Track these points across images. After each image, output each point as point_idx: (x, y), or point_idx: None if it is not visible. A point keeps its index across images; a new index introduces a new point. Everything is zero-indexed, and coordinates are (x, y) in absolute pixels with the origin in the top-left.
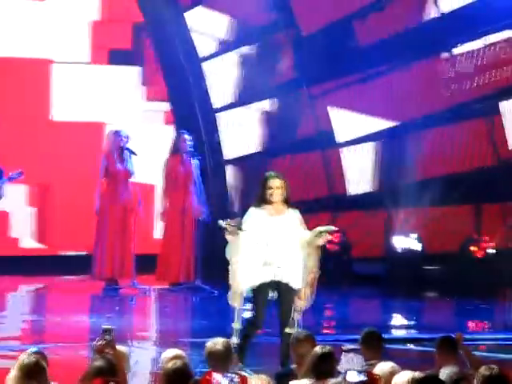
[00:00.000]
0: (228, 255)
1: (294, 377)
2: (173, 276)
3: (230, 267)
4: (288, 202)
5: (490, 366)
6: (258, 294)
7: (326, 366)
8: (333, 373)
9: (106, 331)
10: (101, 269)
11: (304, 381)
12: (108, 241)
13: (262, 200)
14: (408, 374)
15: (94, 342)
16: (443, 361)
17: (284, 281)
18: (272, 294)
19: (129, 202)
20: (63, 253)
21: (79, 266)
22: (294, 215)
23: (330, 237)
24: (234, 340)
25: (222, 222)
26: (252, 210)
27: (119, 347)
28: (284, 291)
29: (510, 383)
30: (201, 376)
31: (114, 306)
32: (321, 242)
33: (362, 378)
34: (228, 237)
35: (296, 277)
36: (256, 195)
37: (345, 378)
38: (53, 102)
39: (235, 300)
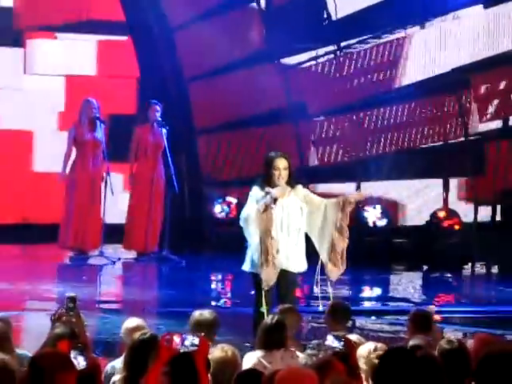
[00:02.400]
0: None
1: None
2: (140, 245)
3: (254, 241)
4: (291, 182)
5: (451, 339)
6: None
7: (275, 336)
8: (283, 343)
9: (69, 299)
10: (68, 238)
11: (256, 352)
12: (76, 210)
13: (268, 181)
14: (370, 346)
15: (56, 310)
16: (414, 334)
17: (290, 269)
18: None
19: (98, 171)
20: (32, 222)
21: (47, 234)
22: (300, 193)
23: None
24: None
25: (270, 191)
26: (257, 192)
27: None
28: (285, 275)
29: (469, 357)
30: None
31: (81, 275)
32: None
33: (341, 343)
34: (262, 206)
35: (300, 262)
36: (261, 175)
37: (323, 343)
38: None
39: (270, 277)
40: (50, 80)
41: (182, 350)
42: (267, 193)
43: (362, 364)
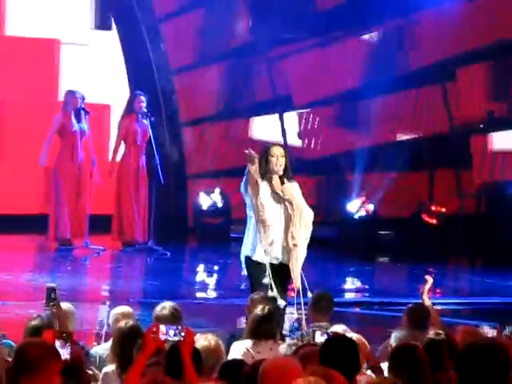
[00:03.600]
0: (249, 193)
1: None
2: (128, 236)
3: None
4: (287, 173)
5: (437, 331)
6: (256, 271)
7: (266, 327)
8: (273, 334)
9: (49, 290)
10: (57, 230)
11: (245, 341)
12: (64, 201)
13: (265, 170)
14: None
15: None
16: (410, 328)
17: (283, 261)
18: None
19: (84, 161)
20: (15, 212)
21: (32, 225)
22: (293, 189)
23: None
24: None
25: (250, 151)
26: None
27: (65, 305)
28: (278, 268)
29: (456, 347)
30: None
31: (67, 265)
32: None
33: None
34: (250, 167)
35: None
36: (259, 165)
37: (312, 339)
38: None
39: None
40: None
41: (167, 341)
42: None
43: None
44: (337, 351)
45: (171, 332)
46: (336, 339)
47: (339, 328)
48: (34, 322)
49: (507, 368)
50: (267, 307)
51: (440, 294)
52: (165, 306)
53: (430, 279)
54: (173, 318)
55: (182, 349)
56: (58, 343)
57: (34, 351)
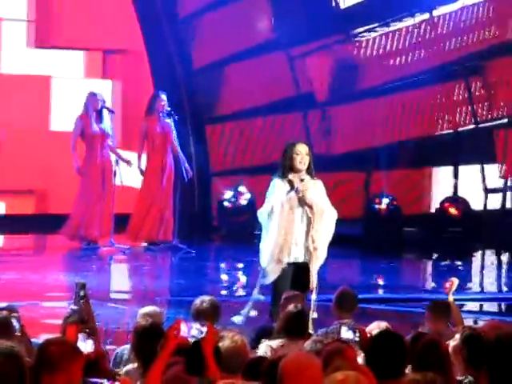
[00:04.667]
0: (268, 221)
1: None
2: (153, 235)
3: (271, 236)
4: (311, 170)
5: (468, 326)
6: (282, 278)
7: (298, 325)
8: (305, 332)
9: (79, 286)
10: (84, 230)
11: (276, 341)
12: (90, 202)
13: (288, 168)
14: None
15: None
16: (434, 324)
17: (305, 261)
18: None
19: (108, 162)
20: (43, 212)
21: (57, 225)
22: (319, 189)
23: None
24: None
25: (298, 185)
26: (278, 183)
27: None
28: (301, 267)
29: (484, 343)
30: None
31: (92, 264)
32: None
33: (356, 334)
34: (287, 202)
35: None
36: (281, 163)
37: (338, 335)
38: None
39: (273, 271)
40: None
41: (189, 339)
42: (290, 181)
43: None
44: (385, 347)
45: (193, 331)
46: (384, 335)
47: (381, 324)
48: (69, 320)
49: None
50: (299, 304)
51: (466, 290)
52: (204, 300)
53: (455, 281)
54: (213, 312)
55: (203, 346)
56: (80, 337)
57: (55, 349)
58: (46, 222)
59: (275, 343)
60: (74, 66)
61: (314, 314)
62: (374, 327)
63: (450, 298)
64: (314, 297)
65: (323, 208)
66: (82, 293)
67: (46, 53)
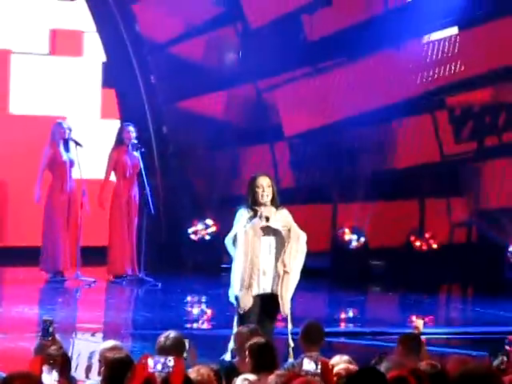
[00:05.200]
0: (234, 249)
1: (235, 370)
2: (119, 268)
3: (238, 263)
4: (275, 201)
5: (432, 362)
6: (251, 310)
7: (267, 358)
8: (275, 365)
9: (46, 323)
10: (51, 262)
11: (248, 375)
12: (57, 233)
13: (252, 201)
14: (343, 366)
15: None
16: (404, 356)
17: (275, 292)
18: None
19: (74, 192)
20: (10, 244)
21: (25, 257)
22: (285, 218)
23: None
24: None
25: (265, 212)
26: (242, 212)
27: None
28: (270, 298)
29: (448, 379)
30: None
31: (58, 297)
32: None
33: (317, 366)
34: (251, 228)
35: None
36: (246, 196)
37: (298, 366)
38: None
39: (246, 300)
40: None
41: (155, 373)
42: (256, 211)
43: None
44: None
45: (159, 366)
46: (364, 370)
47: (342, 359)
48: (37, 352)
49: None
50: (263, 338)
51: (432, 324)
52: (168, 337)
53: (420, 323)
54: (177, 348)
55: (172, 380)
56: (45, 369)
57: (18, 382)
58: (10, 254)
59: (251, 377)
60: (37, 41)
61: (291, 344)
62: (337, 360)
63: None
64: (289, 326)
65: (298, 232)
66: (50, 329)
67: (5, 24)
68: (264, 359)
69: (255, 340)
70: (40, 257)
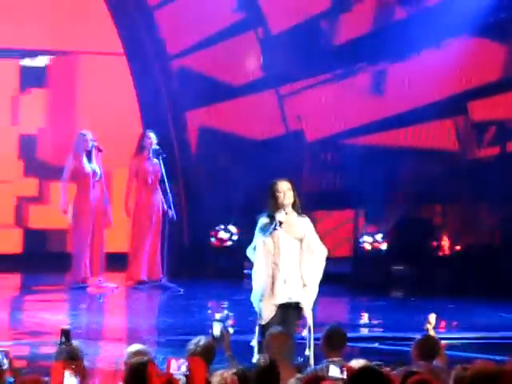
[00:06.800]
0: (255, 255)
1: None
2: (142, 274)
3: (259, 274)
4: (296, 207)
5: (465, 366)
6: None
7: (272, 380)
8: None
9: (63, 333)
10: (77, 269)
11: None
12: (83, 242)
13: (273, 207)
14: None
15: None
16: (419, 360)
17: (294, 300)
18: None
19: (99, 201)
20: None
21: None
22: (305, 226)
23: None
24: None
25: (278, 217)
26: (263, 220)
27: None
28: (290, 306)
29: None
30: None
31: (81, 303)
32: None
33: (343, 372)
34: (271, 236)
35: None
36: (267, 204)
37: (326, 372)
38: None
39: (267, 311)
40: None
41: (177, 375)
42: (273, 217)
43: None
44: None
45: (183, 368)
46: (365, 371)
47: (359, 363)
48: (58, 357)
49: None
50: (268, 358)
51: (454, 329)
52: (199, 344)
53: (433, 316)
54: (207, 355)
55: (194, 380)
56: (67, 374)
57: None
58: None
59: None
60: None
61: (308, 352)
62: (353, 364)
63: (432, 333)
64: (305, 334)
65: (313, 245)
66: (67, 338)
67: None
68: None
69: (261, 361)
70: (74, 267)
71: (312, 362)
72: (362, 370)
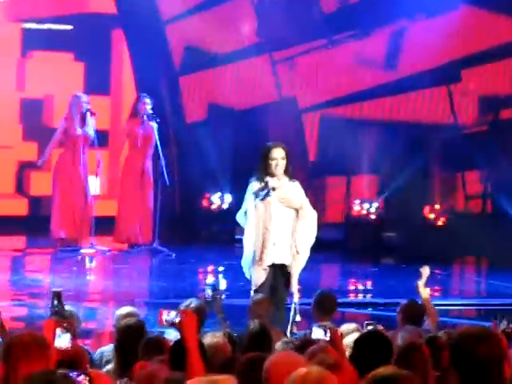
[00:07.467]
0: (246, 220)
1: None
2: (131, 237)
3: (249, 238)
4: (288, 172)
5: (449, 331)
6: (264, 283)
7: (263, 341)
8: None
9: (54, 294)
10: (61, 230)
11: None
12: (67, 203)
13: (265, 172)
14: (355, 335)
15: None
16: (405, 324)
17: (285, 262)
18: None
19: (87, 165)
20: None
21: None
22: (296, 189)
23: None
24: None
25: (269, 180)
26: (254, 185)
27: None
28: (279, 268)
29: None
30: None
31: (72, 266)
32: None
33: (326, 334)
34: (261, 201)
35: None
36: (258, 167)
37: (308, 335)
38: None
39: (257, 275)
40: None
41: (166, 323)
42: (266, 183)
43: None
44: (371, 347)
45: (171, 314)
46: (369, 335)
47: (350, 326)
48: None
49: (501, 357)
50: (258, 321)
51: (443, 295)
52: (190, 306)
53: (425, 271)
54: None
55: (187, 341)
56: (58, 332)
57: (18, 339)
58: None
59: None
60: None
61: (297, 317)
62: (344, 329)
63: (424, 294)
64: (295, 300)
65: (306, 211)
66: (59, 300)
67: None
68: (258, 344)
69: (252, 325)
70: (52, 226)
71: (295, 327)
72: (368, 334)
